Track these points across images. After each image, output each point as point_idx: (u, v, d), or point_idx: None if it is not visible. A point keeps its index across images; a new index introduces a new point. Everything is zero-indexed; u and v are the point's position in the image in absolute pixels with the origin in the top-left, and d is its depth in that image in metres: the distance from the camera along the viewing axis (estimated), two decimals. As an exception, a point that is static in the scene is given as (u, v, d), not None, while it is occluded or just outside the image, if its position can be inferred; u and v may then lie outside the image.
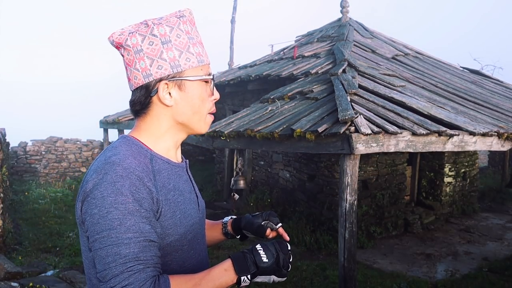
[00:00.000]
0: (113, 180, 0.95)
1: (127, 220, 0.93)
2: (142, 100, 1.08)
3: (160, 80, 1.06)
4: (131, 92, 1.11)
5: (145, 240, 0.95)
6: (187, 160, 1.24)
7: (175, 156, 1.17)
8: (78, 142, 11.62)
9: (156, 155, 1.09)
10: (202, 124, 1.14)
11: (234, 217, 1.42)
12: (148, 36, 1.05)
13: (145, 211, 0.96)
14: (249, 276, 1.02)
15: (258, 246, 1.05)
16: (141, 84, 1.07)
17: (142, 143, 1.09)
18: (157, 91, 1.07)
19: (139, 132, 1.11)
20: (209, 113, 1.16)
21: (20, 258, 5.49)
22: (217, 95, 1.16)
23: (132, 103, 1.10)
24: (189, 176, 1.20)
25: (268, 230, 1.27)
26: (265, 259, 1.03)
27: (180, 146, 1.20)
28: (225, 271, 1.01)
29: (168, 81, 1.07)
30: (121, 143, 1.07)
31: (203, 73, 1.11)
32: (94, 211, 0.95)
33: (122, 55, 1.09)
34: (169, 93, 1.08)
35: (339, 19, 9.18)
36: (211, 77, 1.13)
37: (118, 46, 1.08)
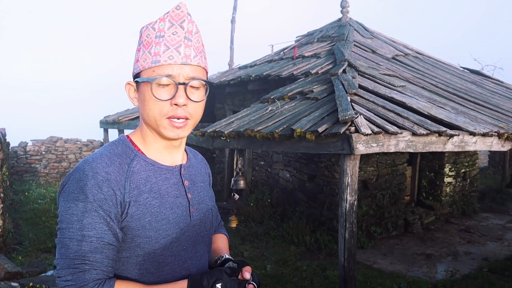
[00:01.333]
0: (79, 178, 0.99)
1: (83, 218, 0.97)
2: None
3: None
4: None
5: (98, 241, 0.97)
6: (187, 164, 1.20)
7: (171, 159, 1.15)
8: (78, 142, 11.63)
9: (141, 156, 1.09)
10: (161, 129, 1.07)
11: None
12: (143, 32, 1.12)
13: (103, 212, 0.98)
14: None
15: (218, 284, 1.04)
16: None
17: (133, 143, 1.12)
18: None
19: (136, 131, 1.15)
20: (170, 118, 1.06)
21: (20, 258, 5.49)
22: (178, 100, 1.04)
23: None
24: (182, 180, 1.15)
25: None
26: None
27: (178, 150, 1.17)
28: None
29: (129, 81, 1.12)
30: (110, 143, 1.11)
31: (155, 74, 1.04)
32: (61, 203, 1.01)
33: None
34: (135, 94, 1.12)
35: (339, 19, 9.18)
36: (156, 80, 1.03)
37: None
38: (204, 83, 1.09)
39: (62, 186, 1.03)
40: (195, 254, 1.16)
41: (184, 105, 1.05)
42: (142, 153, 1.10)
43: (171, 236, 1.08)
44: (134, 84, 1.10)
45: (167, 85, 1.04)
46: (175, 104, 1.05)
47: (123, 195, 1.02)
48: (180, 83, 1.04)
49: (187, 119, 1.07)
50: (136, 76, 1.10)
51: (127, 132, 9.87)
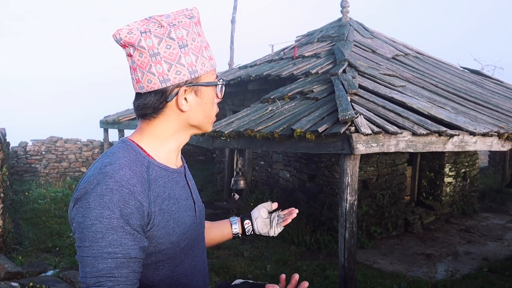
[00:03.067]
0: (102, 193, 0.94)
1: (109, 235, 0.93)
2: (156, 104, 1.04)
3: (178, 85, 1.03)
4: (136, 93, 1.07)
5: (124, 257, 0.95)
6: (186, 165, 1.22)
7: (175, 160, 1.15)
8: (79, 142, 11.62)
9: (154, 162, 1.06)
10: (210, 126, 1.18)
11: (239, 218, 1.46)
12: (165, 39, 1.01)
13: (129, 228, 0.96)
14: None
15: None
16: (156, 89, 1.03)
17: (142, 149, 1.07)
18: (174, 97, 1.04)
19: (142, 135, 1.08)
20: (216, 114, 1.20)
21: (20, 258, 5.49)
22: (221, 98, 1.19)
23: (143, 106, 1.05)
24: (187, 181, 1.18)
25: None
26: None
27: (180, 150, 1.18)
28: None
29: (187, 87, 1.05)
30: (120, 149, 1.04)
31: (215, 77, 1.13)
32: (80, 219, 0.95)
33: (130, 55, 1.04)
34: (185, 98, 1.06)
35: (339, 19, 9.18)
36: (222, 82, 1.16)
37: (126, 45, 1.02)
38: None
39: (76, 200, 0.98)
40: (199, 251, 1.20)
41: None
42: (153, 158, 1.08)
43: (188, 238, 1.11)
44: (189, 89, 1.06)
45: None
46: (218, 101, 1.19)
47: (149, 205, 1.00)
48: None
49: None
50: (190, 80, 1.06)
51: (127, 132, 9.88)
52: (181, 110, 1.06)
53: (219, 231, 1.43)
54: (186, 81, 1.04)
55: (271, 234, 1.40)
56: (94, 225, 0.93)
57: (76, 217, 0.96)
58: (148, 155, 1.07)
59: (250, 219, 1.41)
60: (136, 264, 0.97)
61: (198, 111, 1.09)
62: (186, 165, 1.23)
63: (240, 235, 1.42)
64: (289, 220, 1.40)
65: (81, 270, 0.95)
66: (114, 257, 0.93)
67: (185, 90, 1.05)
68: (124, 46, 1.03)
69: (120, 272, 0.94)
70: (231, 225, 1.43)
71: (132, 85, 1.07)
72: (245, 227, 1.41)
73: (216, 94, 1.15)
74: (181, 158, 1.22)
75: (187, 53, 1.03)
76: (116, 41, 1.03)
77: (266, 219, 1.41)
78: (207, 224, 1.41)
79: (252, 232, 1.41)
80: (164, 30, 1.01)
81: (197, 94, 1.07)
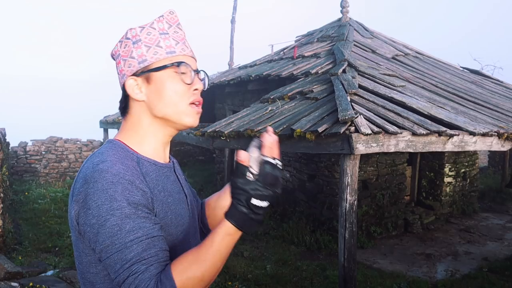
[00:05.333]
0: (105, 188, 0.95)
1: (126, 224, 0.93)
2: (122, 99, 1.13)
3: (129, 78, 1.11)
4: None
5: (147, 238, 0.94)
6: (175, 160, 1.23)
7: (163, 156, 1.16)
8: (78, 142, 11.62)
9: (142, 157, 1.08)
10: (183, 116, 1.09)
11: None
12: (124, 41, 1.11)
13: (142, 212, 0.96)
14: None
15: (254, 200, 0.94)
16: (121, 86, 1.12)
17: (128, 146, 1.09)
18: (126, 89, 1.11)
19: (124, 133, 1.12)
20: (192, 103, 1.10)
21: (20, 258, 5.49)
22: (197, 85, 1.10)
23: (119, 104, 1.15)
24: (177, 176, 1.18)
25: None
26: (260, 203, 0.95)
27: (168, 146, 1.19)
28: (228, 236, 0.97)
29: (137, 76, 1.09)
30: (108, 148, 1.06)
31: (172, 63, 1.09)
32: (92, 221, 0.94)
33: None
34: (141, 89, 1.10)
35: (339, 19, 9.18)
36: (183, 64, 1.08)
37: (112, 58, 1.17)
38: (205, 75, 1.17)
39: (80, 205, 0.97)
40: (195, 243, 1.19)
41: (201, 90, 1.12)
42: (140, 154, 1.10)
43: (185, 231, 1.12)
44: (139, 78, 1.09)
45: (184, 73, 1.09)
46: (195, 89, 1.10)
47: (150, 193, 1.02)
48: (196, 71, 1.11)
49: (200, 105, 1.13)
50: (142, 70, 1.09)
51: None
52: (138, 100, 1.10)
53: (226, 194, 1.29)
54: (136, 71, 1.09)
55: None
56: (108, 220, 0.93)
57: (87, 221, 0.95)
58: (135, 151, 1.09)
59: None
60: (161, 242, 0.97)
61: (155, 99, 1.09)
62: (174, 160, 1.24)
63: None
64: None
65: (112, 273, 0.94)
66: (138, 242, 0.93)
67: (133, 79, 1.09)
68: (113, 59, 1.18)
69: (149, 253, 0.93)
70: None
71: None
72: None
73: (183, 80, 1.08)
74: (170, 156, 1.24)
75: (138, 47, 1.09)
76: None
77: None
78: (215, 196, 1.34)
79: None
80: (124, 34, 1.12)
81: (149, 82, 1.09)
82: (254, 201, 0.94)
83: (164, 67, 1.07)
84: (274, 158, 0.98)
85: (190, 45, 1.16)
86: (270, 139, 0.99)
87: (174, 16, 1.15)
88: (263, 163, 0.96)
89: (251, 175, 0.95)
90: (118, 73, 1.13)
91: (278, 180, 0.97)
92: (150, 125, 1.11)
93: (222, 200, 1.29)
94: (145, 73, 1.09)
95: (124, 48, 1.11)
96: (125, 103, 1.13)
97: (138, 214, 0.95)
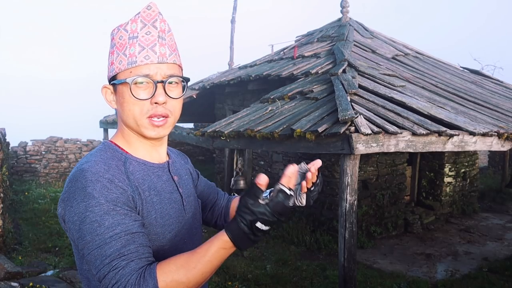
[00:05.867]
0: (84, 186, 0.97)
1: (104, 221, 0.95)
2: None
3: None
4: None
5: (127, 234, 0.95)
6: (171, 160, 1.22)
7: (158, 156, 1.17)
8: (78, 142, 11.62)
9: (131, 157, 1.11)
10: (143, 129, 1.08)
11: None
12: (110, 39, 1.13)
13: (121, 208, 0.97)
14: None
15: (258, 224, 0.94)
16: None
17: (118, 147, 1.12)
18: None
19: (116, 134, 1.16)
20: (151, 117, 1.07)
21: (20, 258, 5.49)
22: (158, 98, 1.05)
23: None
24: (172, 176, 1.18)
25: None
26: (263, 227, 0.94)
27: (163, 146, 1.19)
28: (223, 249, 0.97)
29: (106, 85, 1.13)
30: (97, 150, 1.10)
31: (133, 75, 1.05)
32: (74, 218, 0.97)
33: None
34: (113, 97, 1.13)
35: (339, 19, 9.17)
36: (139, 78, 1.04)
37: None
38: (181, 79, 1.11)
39: (64, 203, 1.00)
40: (192, 246, 1.18)
41: (164, 103, 1.07)
42: (130, 154, 1.12)
43: (174, 231, 1.11)
44: (111, 87, 1.11)
45: (146, 84, 1.06)
46: (155, 103, 1.06)
47: (132, 192, 1.03)
48: (158, 82, 1.06)
49: (167, 117, 1.09)
50: (112, 79, 1.10)
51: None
52: (115, 108, 1.13)
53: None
54: (109, 79, 1.12)
55: (298, 204, 1.16)
56: (87, 216, 0.95)
57: (70, 218, 0.98)
58: (125, 151, 1.11)
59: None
60: (141, 237, 0.98)
61: (120, 110, 1.11)
62: (173, 161, 1.24)
63: None
64: (310, 183, 1.16)
65: (93, 267, 0.95)
66: (117, 238, 0.94)
67: (104, 87, 1.13)
68: None
69: (129, 249, 0.94)
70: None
71: None
72: None
73: (152, 93, 1.05)
74: (168, 154, 1.24)
75: (113, 52, 1.10)
76: None
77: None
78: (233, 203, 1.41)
79: None
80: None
81: (115, 92, 1.11)
82: (258, 224, 0.94)
83: (123, 82, 1.06)
84: (290, 189, 0.98)
85: (166, 45, 1.09)
86: (292, 170, 0.99)
87: (151, 12, 1.10)
88: (278, 191, 0.97)
89: (262, 201, 0.96)
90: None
91: (286, 210, 0.97)
92: (131, 129, 1.13)
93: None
94: (111, 83, 1.12)
95: (110, 48, 1.12)
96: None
97: (117, 211, 0.97)
